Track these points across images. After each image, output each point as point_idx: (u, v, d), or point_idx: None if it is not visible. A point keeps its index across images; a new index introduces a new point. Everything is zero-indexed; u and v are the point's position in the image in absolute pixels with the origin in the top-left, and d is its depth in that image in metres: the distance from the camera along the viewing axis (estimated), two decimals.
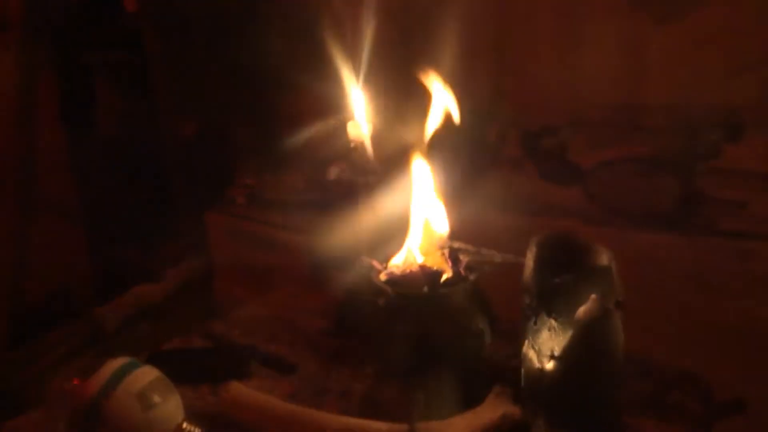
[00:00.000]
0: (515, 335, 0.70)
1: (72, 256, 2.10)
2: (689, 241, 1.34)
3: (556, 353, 0.64)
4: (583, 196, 1.52)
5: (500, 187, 1.60)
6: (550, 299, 0.65)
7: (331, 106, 0.88)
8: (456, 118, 0.73)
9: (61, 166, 2.07)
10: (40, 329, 1.65)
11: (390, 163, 0.78)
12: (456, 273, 0.71)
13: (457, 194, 0.78)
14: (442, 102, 0.73)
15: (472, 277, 0.70)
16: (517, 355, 0.69)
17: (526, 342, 0.67)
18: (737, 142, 1.37)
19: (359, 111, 0.80)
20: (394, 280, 0.71)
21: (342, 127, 0.80)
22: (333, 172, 1.41)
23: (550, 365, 0.64)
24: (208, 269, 1.80)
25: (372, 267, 0.74)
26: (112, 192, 2.07)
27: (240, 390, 0.70)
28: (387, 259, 0.74)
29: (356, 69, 0.80)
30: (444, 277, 0.70)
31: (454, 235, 0.76)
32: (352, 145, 0.78)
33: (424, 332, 0.67)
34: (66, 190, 2.09)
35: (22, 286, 1.91)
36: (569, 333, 0.63)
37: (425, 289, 0.69)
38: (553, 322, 0.65)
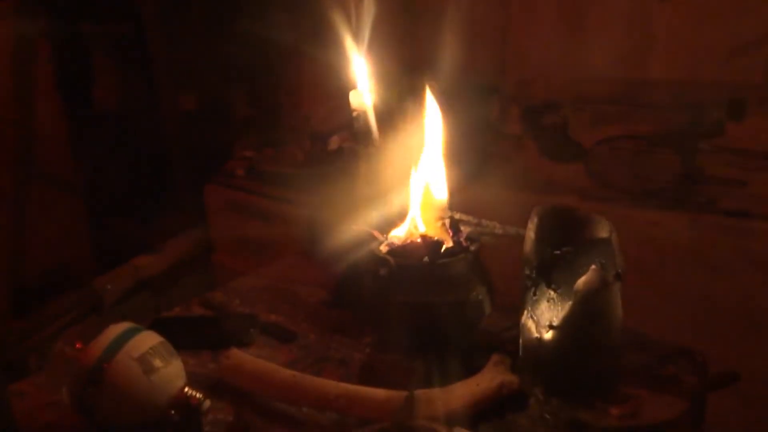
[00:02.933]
0: (514, 307, 0.71)
1: (71, 229, 2.10)
2: (689, 219, 1.34)
3: (555, 324, 0.65)
4: (584, 173, 1.52)
5: (501, 164, 1.60)
6: (550, 270, 0.66)
7: (332, 76, 0.88)
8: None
9: (59, 138, 2.06)
10: (41, 301, 1.65)
11: (392, 132, 0.78)
12: (457, 243, 0.71)
13: (459, 171, 0.77)
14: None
15: (472, 247, 0.70)
16: (516, 327, 0.70)
17: (525, 312, 0.68)
18: (740, 120, 1.37)
19: (362, 80, 0.79)
20: (395, 250, 0.72)
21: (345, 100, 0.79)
22: (334, 142, 1.40)
23: (548, 335, 0.65)
24: (207, 241, 1.81)
25: (373, 237, 0.74)
26: (111, 165, 2.06)
27: (240, 357, 0.71)
28: (388, 230, 0.74)
29: (359, 37, 0.79)
30: (445, 247, 0.70)
31: (454, 207, 0.76)
32: (355, 114, 0.78)
33: (424, 302, 0.68)
34: (65, 163, 2.08)
35: (21, 259, 1.91)
36: (568, 304, 0.64)
37: (426, 259, 0.69)
38: (552, 293, 0.66)
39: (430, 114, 0.71)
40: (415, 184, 0.73)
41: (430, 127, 0.71)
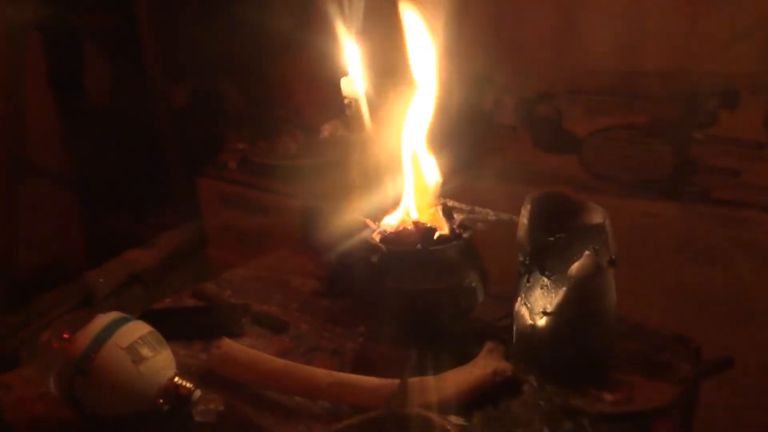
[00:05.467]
0: (508, 296, 0.70)
1: (64, 223, 2.08)
2: (682, 209, 1.34)
3: (549, 310, 0.64)
4: (578, 164, 1.52)
5: (495, 155, 1.59)
6: (544, 257, 0.65)
7: (325, 66, 0.87)
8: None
9: (52, 132, 2.04)
10: (34, 296, 1.64)
11: (384, 119, 0.77)
12: (450, 230, 0.70)
13: (451, 161, 0.77)
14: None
15: (465, 234, 0.70)
16: (510, 316, 0.70)
17: (519, 299, 0.67)
18: (733, 109, 1.37)
19: (353, 67, 0.78)
20: (388, 238, 0.71)
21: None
22: (326, 130, 1.39)
23: (542, 321, 0.64)
24: (201, 234, 1.80)
25: (366, 225, 0.73)
26: (104, 159, 2.05)
27: (231, 346, 0.70)
28: (381, 217, 0.73)
29: (351, 23, 0.78)
30: (437, 234, 0.69)
31: (447, 197, 0.75)
32: (346, 101, 0.77)
33: (417, 289, 0.67)
34: (57, 157, 2.06)
35: (14, 253, 1.90)
36: (562, 290, 0.64)
37: (419, 246, 0.68)
38: (545, 279, 0.65)
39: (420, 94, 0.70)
40: (408, 171, 0.72)
41: (421, 109, 0.70)
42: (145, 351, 0.63)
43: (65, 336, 0.63)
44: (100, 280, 1.56)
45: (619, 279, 0.66)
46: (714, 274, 1.25)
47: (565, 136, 1.56)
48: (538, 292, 0.66)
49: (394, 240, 0.70)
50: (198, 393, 0.64)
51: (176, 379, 0.64)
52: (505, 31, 1.61)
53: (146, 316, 0.72)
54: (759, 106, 1.34)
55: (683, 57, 1.44)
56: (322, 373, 0.66)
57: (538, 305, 0.65)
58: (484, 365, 0.65)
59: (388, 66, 0.80)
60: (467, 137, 1.44)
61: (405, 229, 0.71)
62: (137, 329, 0.64)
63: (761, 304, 1.19)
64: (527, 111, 1.60)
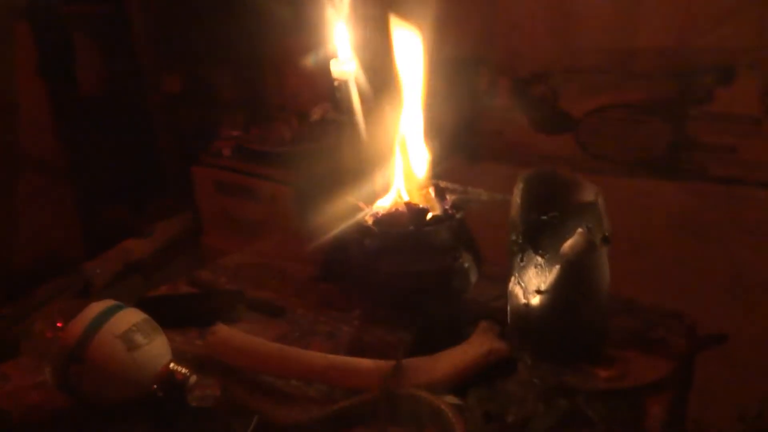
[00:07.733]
0: (501, 276, 0.70)
1: (59, 214, 2.07)
2: (679, 186, 1.34)
3: (542, 289, 0.64)
4: (573, 144, 1.51)
5: (490, 137, 1.59)
6: (537, 236, 0.65)
7: (315, 48, 0.86)
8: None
9: (44, 123, 2.02)
10: (31, 288, 1.64)
11: (375, 101, 0.76)
12: (442, 211, 0.70)
13: (446, 144, 0.76)
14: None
15: (458, 215, 0.69)
16: (504, 295, 0.69)
17: (513, 278, 0.67)
18: (730, 86, 1.36)
19: (343, 48, 0.77)
20: (381, 220, 0.71)
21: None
22: (316, 113, 1.38)
23: (535, 300, 0.64)
24: (196, 223, 1.79)
25: (358, 208, 0.73)
26: (98, 149, 2.04)
27: (226, 331, 0.70)
28: (373, 200, 0.73)
29: (340, 4, 0.77)
30: (430, 215, 0.69)
31: (440, 176, 0.75)
32: (336, 83, 0.76)
33: (409, 270, 0.67)
34: (50, 148, 2.05)
35: (10, 245, 1.90)
36: (555, 269, 0.63)
37: (411, 227, 0.68)
38: (539, 258, 0.65)
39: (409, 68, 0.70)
40: (399, 153, 0.72)
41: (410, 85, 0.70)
42: (140, 338, 0.63)
43: (58, 325, 0.63)
44: (97, 271, 1.56)
45: (616, 257, 0.65)
46: (710, 251, 1.25)
47: (561, 115, 1.55)
48: (531, 271, 0.65)
49: (387, 222, 0.70)
50: (194, 378, 0.64)
51: (172, 365, 0.64)
52: (500, 10, 1.59)
53: (141, 304, 0.71)
54: (755, 81, 1.33)
55: (678, 33, 1.42)
56: (317, 357, 0.66)
57: (531, 284, 0.65)
58: (478, 345, 0.65)
59: (379, 48, 0.79)
60: (462, 120, 1.44)
61: (397, 210, 0.71)
62: (131, 317, 0.64)
63: (757, 281, 1.19)
64: (523, 92, 1.58)
